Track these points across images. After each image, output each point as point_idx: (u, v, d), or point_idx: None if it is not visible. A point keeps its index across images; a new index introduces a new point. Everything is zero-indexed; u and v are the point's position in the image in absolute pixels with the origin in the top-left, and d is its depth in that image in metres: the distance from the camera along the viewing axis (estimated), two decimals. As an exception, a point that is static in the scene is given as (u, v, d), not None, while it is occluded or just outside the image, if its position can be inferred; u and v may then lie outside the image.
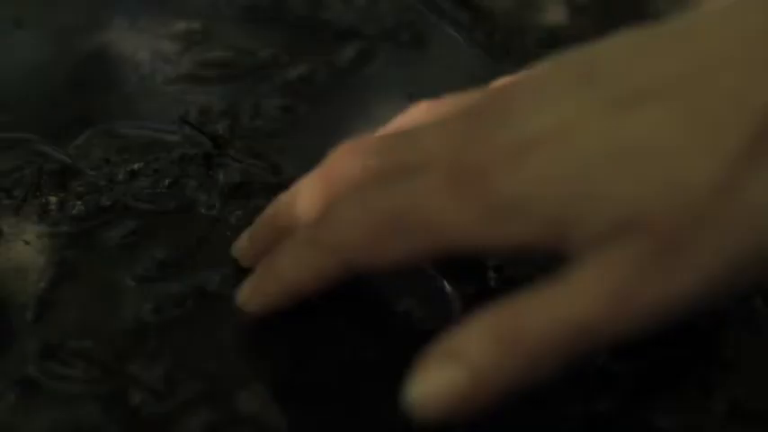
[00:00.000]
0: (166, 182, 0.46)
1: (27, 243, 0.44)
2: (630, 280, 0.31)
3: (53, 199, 0.45)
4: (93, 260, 0.43)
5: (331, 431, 0.37)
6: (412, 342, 0.37)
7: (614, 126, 0.32)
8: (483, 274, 0.40)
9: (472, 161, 0.33)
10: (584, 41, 0.34)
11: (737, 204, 0.30)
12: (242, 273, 0.42)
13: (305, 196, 0.39)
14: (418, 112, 0.41)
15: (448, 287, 0.40)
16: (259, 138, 0.49)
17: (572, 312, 0.31)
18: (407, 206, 0.34)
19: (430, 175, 0.34)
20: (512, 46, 0.53)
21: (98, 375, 0.39)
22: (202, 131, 0.48)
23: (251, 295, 0.40)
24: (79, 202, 0.45)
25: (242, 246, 0.42)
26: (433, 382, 0.32)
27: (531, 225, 0.32)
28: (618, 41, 0.34)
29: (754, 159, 0.30)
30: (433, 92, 0.50)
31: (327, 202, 0.38)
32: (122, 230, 0.44)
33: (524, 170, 0.32)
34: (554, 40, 0.53)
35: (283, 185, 0.45)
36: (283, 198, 0.41)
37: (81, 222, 0.45)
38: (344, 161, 0.38)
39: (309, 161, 0.46)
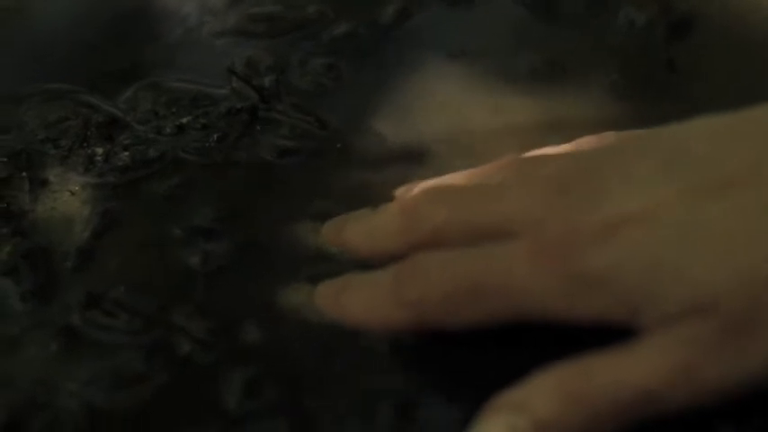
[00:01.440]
0: (215, 136, 0.45)
1: (72, 193, 0.43)
2: (697, 355, 0.32)
3: (99, 150, 0.44)
4: (138, 211, 0.42)
5: (365, 385, 0.36)
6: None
7: (695, 213, 0.33)
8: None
9: (557, 235, 0.34)
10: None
11: None
12: (289, 226, 0.41)
13: (384, 227, 0.39)
14: (507, 165, 0.40)
15: None
16: (305, 93, 0.47)
17: (638, 379, 0.32)
18: (489, 272, 0.35)
19: (514, 243, 0.35)
20: (559, 6, 0.51)
21: (141, 325, 0.38)
22: (250, 83, 0.46)
23: (306, 304, 0.39)
24: (126, 153, 0.44)
25: None
26: (498, 429, 0.33)
27: (608, 300, 0.33)
28: (702, 127, 0.36)
29: None
30: (477, 50, 0.48)
31: (406, 244, 0.38)
32: (169, 183, 0.43)
33: (607, 249, 0.33)
34: (602, 1, 0.51)
35: (330, 140, 0.44)
36: (358, 219, 0.40)
37: (127, 174, 0.43)
38: (429, 207, 0.38)
39: (355, 118, 0.45)
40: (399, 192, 0.42)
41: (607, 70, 0.48)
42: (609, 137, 0.41)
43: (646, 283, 0.33)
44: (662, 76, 0.48)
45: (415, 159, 0.44)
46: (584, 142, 0.41)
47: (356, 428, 0.35)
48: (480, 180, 0.41)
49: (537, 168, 0.38)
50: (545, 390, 0.33)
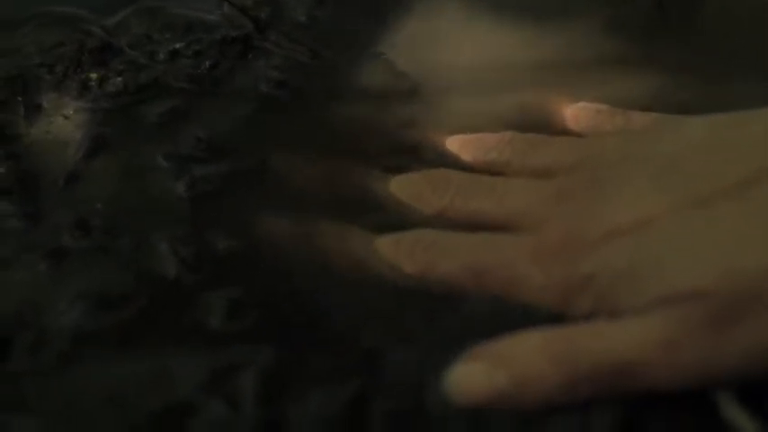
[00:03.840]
0: (207, 63, 0.44)
1: (66, 118, 0.42)
2: (684, 336, 0.32)
3: (93, 75, 0.44)
4: (129, 136, 0.42)
5: (348, 310, 0.36)
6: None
7: (683, 222, 0.34)
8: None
9: (558, 238, 0.36)
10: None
11: None
12: (278, 156, 0.40)
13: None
14: (508, 143, 0.41)
15: None
16: (298, 24, 0.47)
17: (624, 349, 0.33)
18: (494, 262, 0.36)
19: (518, 238, 0.37)
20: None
21: (128, 248, 0.37)
22: (246, 13, 0.46)
23: (286, 233, 0.39)
24: (119, 79, 0.43)
25: None
26: (476, 376, 0.33)
27: (594, 300, 0.34)
28: (698, 136, 0.37)
29: None
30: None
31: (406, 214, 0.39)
32: (161, 108, 0.43)
33: (604, 255, 0.35)
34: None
35: (323, 72, 0.44)
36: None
37: (119, 99, 0.43)
38: (431, 193, 0.39)
39: (348, 51, 0.45)
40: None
41: (598, 10, 0.47)
42: (608, 137, 0.41)
43: (628, 279, 0.34)
44: (651, 15, 0.48)
45: (408, 93, 0.44)
46: (584, 139, 0.42)
47: (338, 353, 0.35)
48: (481, 156, 0.41)
49: (539, 158, 0.40)
50: (527, 347, 0.33)
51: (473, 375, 0.33)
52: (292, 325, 0.35)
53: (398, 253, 0.37)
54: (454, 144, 0.42)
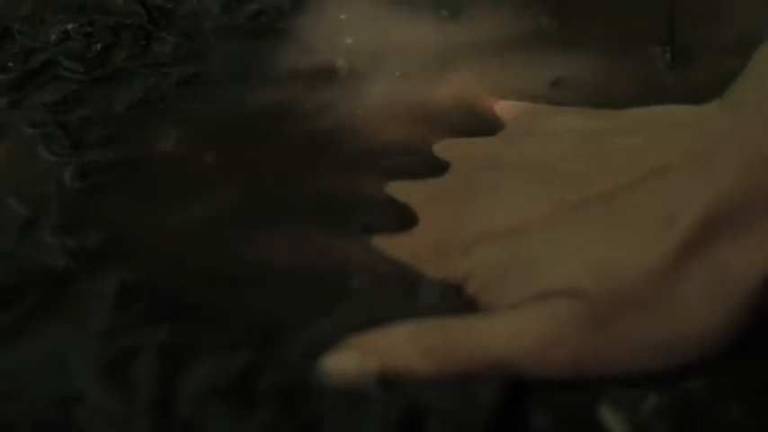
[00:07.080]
0: (98, 46, 0.44)
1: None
2: (557, 331, 0.33)
3: (-17, 61, 0.43)
4: (19, 123, 0.41)
5: (234, 289, 0.37)
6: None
7: (559, 225, 0.35)
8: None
9: (431, 239, 0.38)
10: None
11: (667, 296, 0.33)
12: (168, 146, 0.41)
13: None
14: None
15: None
16: (200, 11, 0.47)
17: (497, 343, 0.33)
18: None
19: (395, 238, 0.38)
20: None
21: (15, 239, 0.37)
22: (140, 1, 0.46)
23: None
24: (10, 64, 0.43)
25: None
26: (348, 364, 0.34)
27: (473, 300, 0.35)
28: (572, 143, 0.38)
29: (682, 262, 0.33)
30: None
31: None
32: (52, 95, 0.42)
33: (476, 257, 0.36)
34: None
35: (210, 59, 0.44)
36: None
37: (11, 85, 0.43)
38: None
39: (236, 47, 0.45)
40: None
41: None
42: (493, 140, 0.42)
43: (501, 279, 0.35)
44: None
45: (323, 78, 0.45)
46: (458, 141, 0.42)
47: (228, 329, 0.35)
48: None
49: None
50: (399, 338, 0.34)
51: (346, 363, 0.34)
52: (183, 306, 0.36)
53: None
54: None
